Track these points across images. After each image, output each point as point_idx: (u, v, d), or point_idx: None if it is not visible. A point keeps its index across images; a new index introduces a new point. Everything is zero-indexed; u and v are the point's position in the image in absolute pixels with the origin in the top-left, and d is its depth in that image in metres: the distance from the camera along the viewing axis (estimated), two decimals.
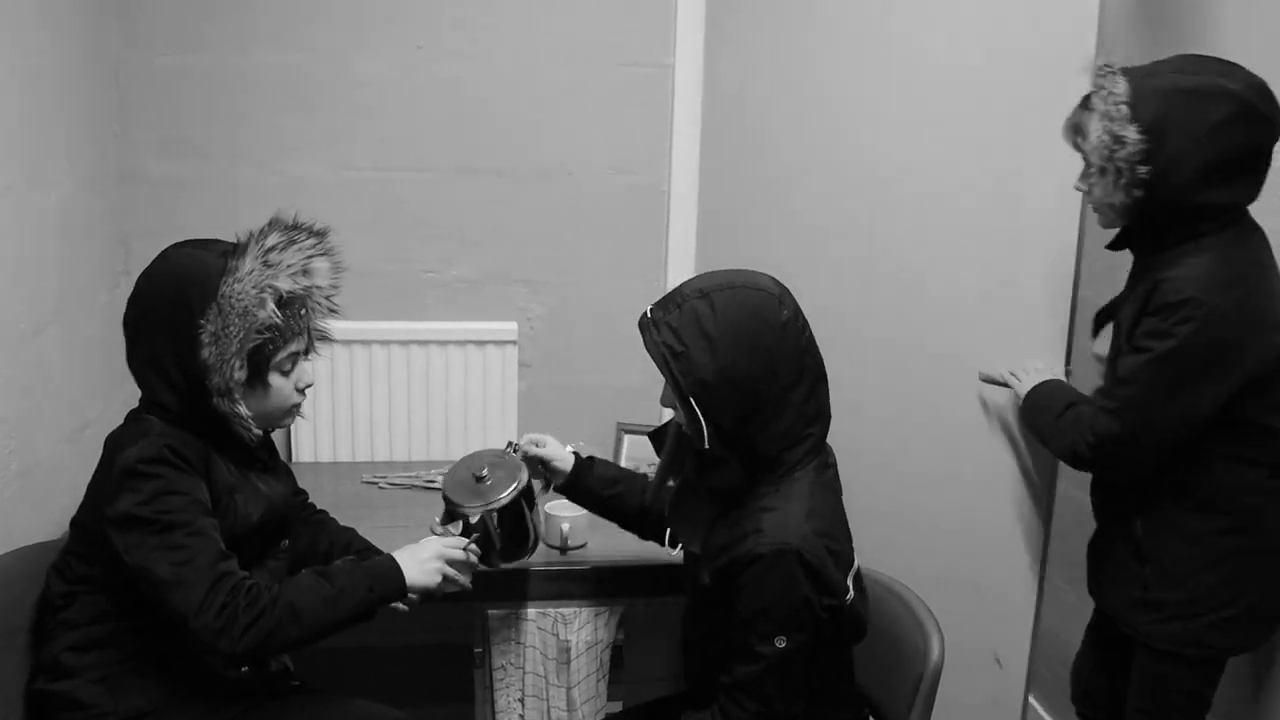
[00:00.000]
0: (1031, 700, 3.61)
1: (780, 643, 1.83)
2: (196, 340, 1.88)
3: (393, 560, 2.04)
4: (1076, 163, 2.29)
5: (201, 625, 1.81)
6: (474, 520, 2.14)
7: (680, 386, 1.83)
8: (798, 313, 1.89)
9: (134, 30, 2.92)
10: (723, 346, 1.81)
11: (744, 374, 1.82)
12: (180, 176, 2.98)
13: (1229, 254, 2.10)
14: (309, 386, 2.08)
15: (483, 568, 2.17)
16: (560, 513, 2.55)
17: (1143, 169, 2.05)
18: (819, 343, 1.95)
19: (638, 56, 3.11)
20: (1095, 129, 2.11)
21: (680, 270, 3.19)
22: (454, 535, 2.14)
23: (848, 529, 1.98)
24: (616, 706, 2.51)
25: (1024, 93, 2.78)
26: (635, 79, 3.13)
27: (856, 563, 1.98)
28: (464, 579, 2.11)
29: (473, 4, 3.03)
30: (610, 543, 2.58)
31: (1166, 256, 2.14)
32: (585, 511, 2.52)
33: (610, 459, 2.72)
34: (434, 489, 2.89)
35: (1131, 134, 2.04)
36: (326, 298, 2.09)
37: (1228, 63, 2.10)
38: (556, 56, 3.09)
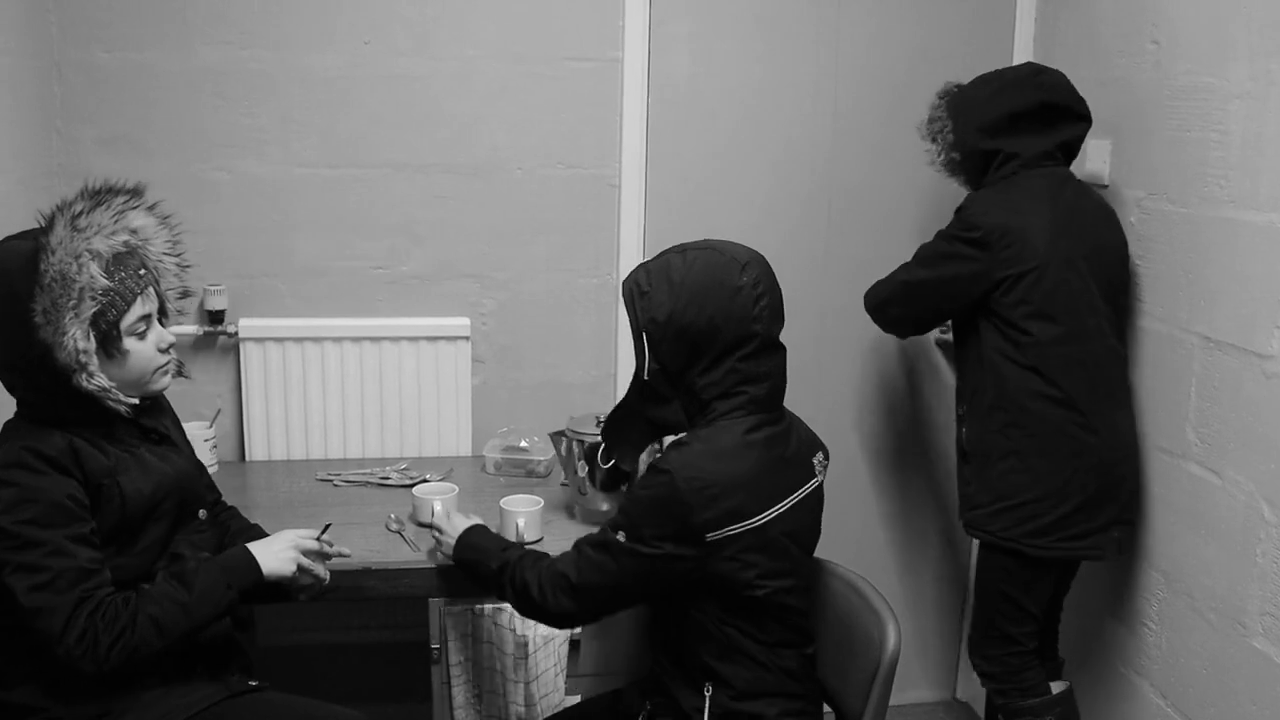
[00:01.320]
0: None
1: (620, 536, 1.99)
2: (31, 324, 1.85)
3: (246, 551, 2.07)
4: None
5: (65, 651, 1.84)
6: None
7: (637, 321, 2.04)
8: (759, 283, 2.01)
9: (75, 26, 2.88)
10: (680, 294, 1.99)
11: (690, 322, 1.99)
12: (124, 173, 2.89)
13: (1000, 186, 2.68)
14: (171, 346, 2.06)
15: (343, 555, 2.25)
16: (515, 508, 2.56)
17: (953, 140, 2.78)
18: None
19: (586, 51, 3.11)
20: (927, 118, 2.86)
21: (631, 263, 3.20)
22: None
23: (762, 492, 2.00)
24: (574, 700, 2.52)
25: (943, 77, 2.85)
26: (583, 74, 3.13)
27: (758, 530, 1.98)
28: (319, 569, 2.17)
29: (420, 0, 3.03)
30: (568, 537, 2.59)
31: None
32: (540, 506, 2.54)
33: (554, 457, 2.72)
34: (388, 485, 2.89)
35: (940, 113, 2.80)
36: (172, 256, 2.08)
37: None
38: (505, 52, 3.08)
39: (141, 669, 1.95)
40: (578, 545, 2.09)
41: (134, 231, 2.01)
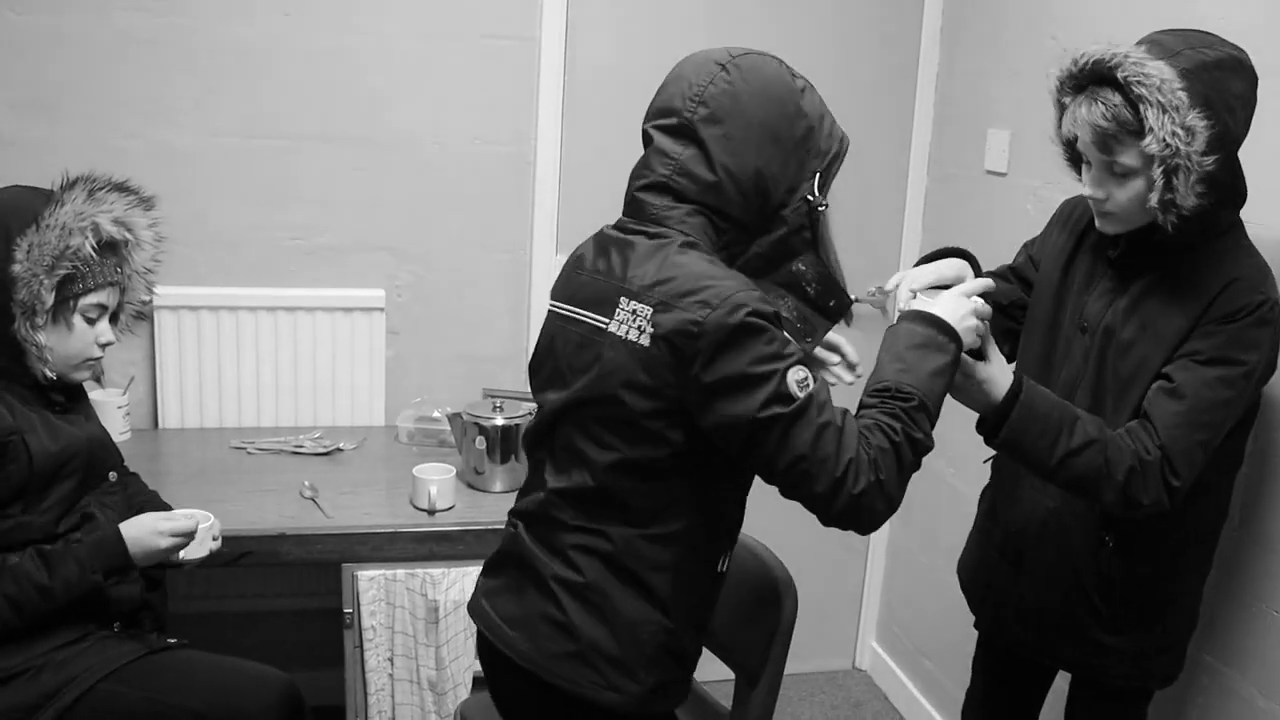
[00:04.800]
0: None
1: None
2: (10, 256, 1.98)
3: (116, 532, 2.08)
4: None
5: None
6: None
7: None
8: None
9: None
10: None
11: None
12: (37, 139, 2.92)
13: (1251, 247, 1.92)
14: (108, 344, 2.17)
15: (212, 544, 2.23)
16: (427, 475, 2.61)
17: (1208, 160, 1.73)
18: None
19: (504, 29, 3.15)
20: (1160, 124, 1.72)
21: (545, 240, 3.26)
22: None
23: None
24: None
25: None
26: (501, 51, 3.17)
27: None
28: (198, 546, 2.17)
29: None
30: (478, 504, 2.66)
31: (1208, 250, 1.89)
32: (453, 474, 2.59)
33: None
34: (302, 454, 2.93)
35: (1198, 121, 1.72)
36: (149, 274, 2.21)
37: (1209, 33, 1.85)
38: (424, 28, 3.11)
39: (50, 622, 2.01)
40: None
41: (130, 232, 2.14)
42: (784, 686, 2.19)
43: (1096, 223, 1.95)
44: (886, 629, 3.73)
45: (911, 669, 3.55)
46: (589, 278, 1.73)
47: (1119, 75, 1.76)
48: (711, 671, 2.43)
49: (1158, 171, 1.75)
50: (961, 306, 1.81)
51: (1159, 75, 1.72)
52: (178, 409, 3.10)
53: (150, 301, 2.30)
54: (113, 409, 2.86)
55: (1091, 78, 1.83)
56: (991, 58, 3.07)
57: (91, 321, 2.11)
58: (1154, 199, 1.78)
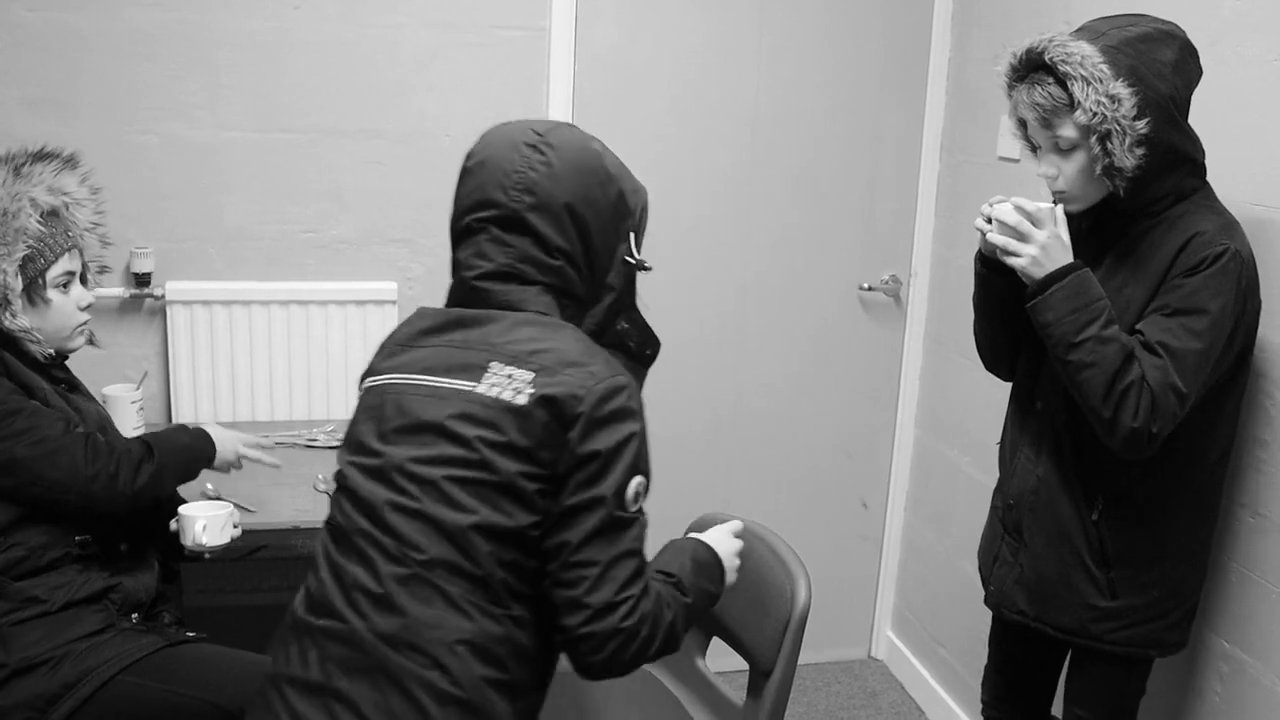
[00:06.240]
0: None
1: None
2: None
3: (202, 429, 2.30)
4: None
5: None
6: None
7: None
8: None
9: None
10: None
11: None
12: (49, 136, 2.89)
13: (1217, 206, 2.02)
14: (89, 307, 2.22)
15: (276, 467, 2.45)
16: (194, 513, 2.25)
17: (1140, 124, 1.88)
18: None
19: (514, 20, 3.15)
20: (1085, 95, 1.88)
21: None
22: None
23: None
24: None
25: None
26: (511, 42, 3.16)
27: None
28: (218, 533, 2.24)
29: None
30: None
31: (1171, 215, 1.99)
32: (227, 511, 2.29)
33: None
34: (315, 447, 2.93)
35: (1122, 89, 1.87)
36: (96, 229, 2.25)
37: (1143, 14, 2.01)
38: (433, 19, 3.10)
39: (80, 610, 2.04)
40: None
41: (66, 194, 2.16)
42: (798, 676, 2.19)
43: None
44: (902, 618, 3.72)
45: (928, 658, 3.54)
46: (443, 347, 1.64)
47: (1047, 59, 1.93)
48: (725, 663, 2.43)
49: (1094, 140, 1.90)
50: (733, 548, 1.86)
51: (1080, 53, 1.89)
52: (191, 403, 3.11)
53: (104, 260, 2.35)
54: (126, 404, 2.86)
55: (1029, 66, 1.99)
56: (1004, 43, 3.05)
57: (65, 289, 2.16)
58: (1098, 168, 1.93)
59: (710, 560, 1.77)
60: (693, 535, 1.84)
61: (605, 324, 1.74)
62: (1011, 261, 1.99)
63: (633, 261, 1.72)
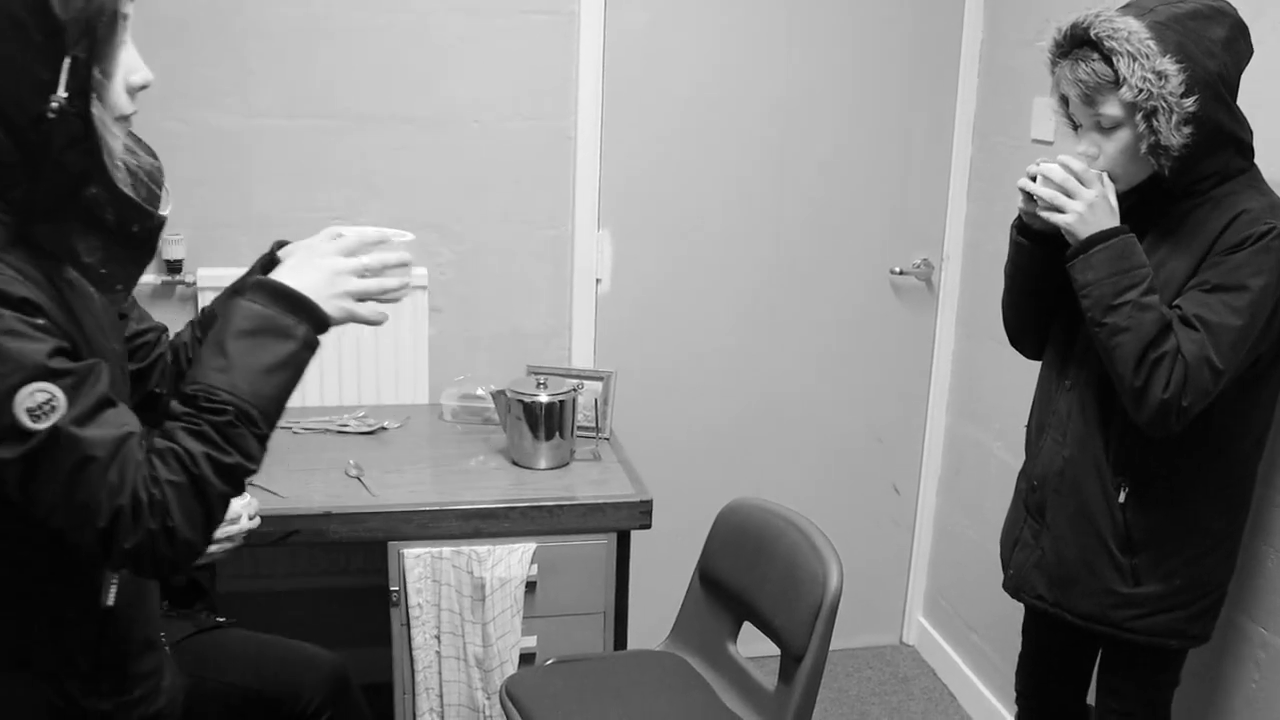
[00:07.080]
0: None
1: None
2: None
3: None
4: None
5: None
6: None
7: None
8: None
9: None
10: None
11: None
12: None
13: (1264, 187, 1.98)
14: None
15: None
16: None
17: (1187, 101, 1.83)
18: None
19: (542, 4, 3.13)
20: (1131, 71, 1.84)
21: (587, 215, 3.25)
22: None
23: None
24: (531, 641, 2.59)
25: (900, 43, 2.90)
26: (540, 26, 3.15)
27: None
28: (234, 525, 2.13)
29: None
30: (523, 481, 2.66)
31: (1217, 195, 1.95)
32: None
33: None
34: (347, 433, 2.94)
35: (1169, 66, 1.82)
36: None
37: None
38: (462, 4, 3.09)
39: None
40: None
41: None
42: (830, 662, 2.19)
43: None
44: (934, 603, 3.71)
45: (960, 644, 3.53)
46: None
47: (1092, 34, 1.89)
48: (756, 648, 2.42)
49: (1139, 118, 1.87)
50: (336, 269, 1.49)
51: (1127, 28, 1.85)
52: None
53: None
54: None
55: (1074, 42, 1.95)
56: (1037, 24, 3.02)
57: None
58: (1143, 147, 1.89)
59: (264, 320, 1.41)
60: (262, 279, 1.47)
61: (59, 193, 1.32)
62: (1056, 218, 1.96)
63: (65, 106, 1.26)
